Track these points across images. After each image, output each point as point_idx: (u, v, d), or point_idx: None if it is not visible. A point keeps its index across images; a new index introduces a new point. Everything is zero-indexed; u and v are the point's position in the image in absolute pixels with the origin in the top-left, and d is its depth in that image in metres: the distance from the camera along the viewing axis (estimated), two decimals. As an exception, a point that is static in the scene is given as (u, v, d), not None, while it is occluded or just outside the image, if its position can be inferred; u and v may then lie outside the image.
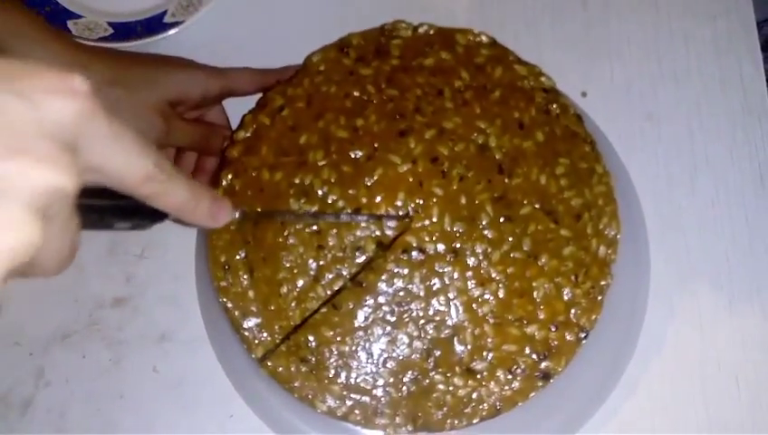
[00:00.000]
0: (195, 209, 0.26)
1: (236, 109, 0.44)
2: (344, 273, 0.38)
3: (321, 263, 0.38)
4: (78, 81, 0.20)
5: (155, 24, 0.48)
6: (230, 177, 0.40)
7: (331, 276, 0.38)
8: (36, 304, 0.45)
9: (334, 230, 0.39)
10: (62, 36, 0.40)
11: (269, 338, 0.38)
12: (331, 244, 0.38)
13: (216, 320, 0.42)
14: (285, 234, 0.39)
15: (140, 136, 0.23)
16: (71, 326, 0.45)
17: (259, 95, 0.43)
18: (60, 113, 0.20)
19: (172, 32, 0.47)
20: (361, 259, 0.38)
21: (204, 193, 0.26)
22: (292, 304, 0.38)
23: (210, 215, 0.27)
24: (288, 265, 0.39)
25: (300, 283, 0.38)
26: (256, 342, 0.38)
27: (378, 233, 0.39)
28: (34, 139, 0.19)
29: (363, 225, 0.39)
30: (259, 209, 0.40)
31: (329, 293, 0.38)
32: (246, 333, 0.39)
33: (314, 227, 0.39)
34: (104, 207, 0.24)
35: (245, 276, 0.39)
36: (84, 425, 0.44)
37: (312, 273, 0.38)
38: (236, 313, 0.39)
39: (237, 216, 0.35)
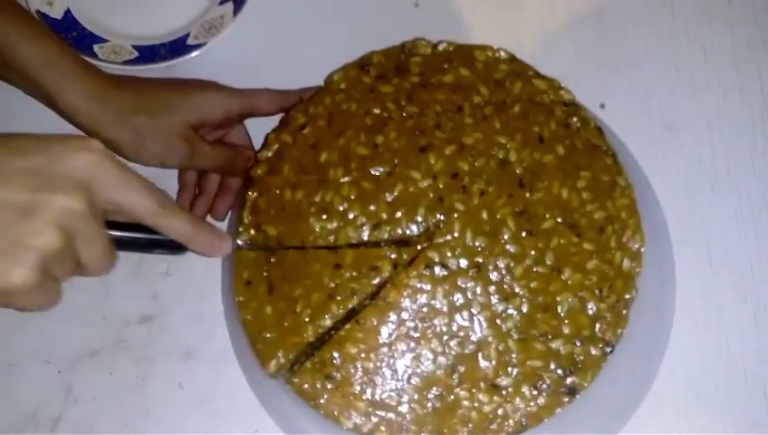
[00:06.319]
0: (196, 240, 0.32)
1: (261, 128, 0.45)
2: (358, 293, 0.38)
3: (337, 282, 0.39)
4: (94, 142, 0.29)
5: (178, 47, 0.49)
6: (255, 196, 0.41)
7: (345, 295, 0.38)
8: (65, 322, 0.46)
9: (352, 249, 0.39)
10: (90, 68, 0.42)
11: (282, 354, 0.39)
12: (347, 262, 0.39)
13: (241, 336, 0.43)
14: (305, 253, 0.39)
15: (147, 181, 0.30)
16: (98, 344, 0.46)
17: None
18: (79, 162, 0.28)
19: (195, 54, 0.48)
20: (376, 280, 0.38)
21: (203, 227, 0.33)
22: (306, 321, 0.38)
23: (208, 245, 0.33)
24: (304, 283, 0.39)
25: (314, 300, 0.39)
26: (269, 357, 0.39)
27: (394, 255, 0.39)
28: (60, 180, 0.28)
29: (382, 244, 0.39)
30: (271, 234, 0.40)
31: (341, 311, 0.38)
32: (260, 347, 0.39)
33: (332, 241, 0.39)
34: (143, 238, 0.32)
35: (265, 293, 0.39)
36: (112, 441, 0.44)
37: (327, 291, 0.39)
38: (253, 327, 0.39)
39: (239, 245, 0.40)
